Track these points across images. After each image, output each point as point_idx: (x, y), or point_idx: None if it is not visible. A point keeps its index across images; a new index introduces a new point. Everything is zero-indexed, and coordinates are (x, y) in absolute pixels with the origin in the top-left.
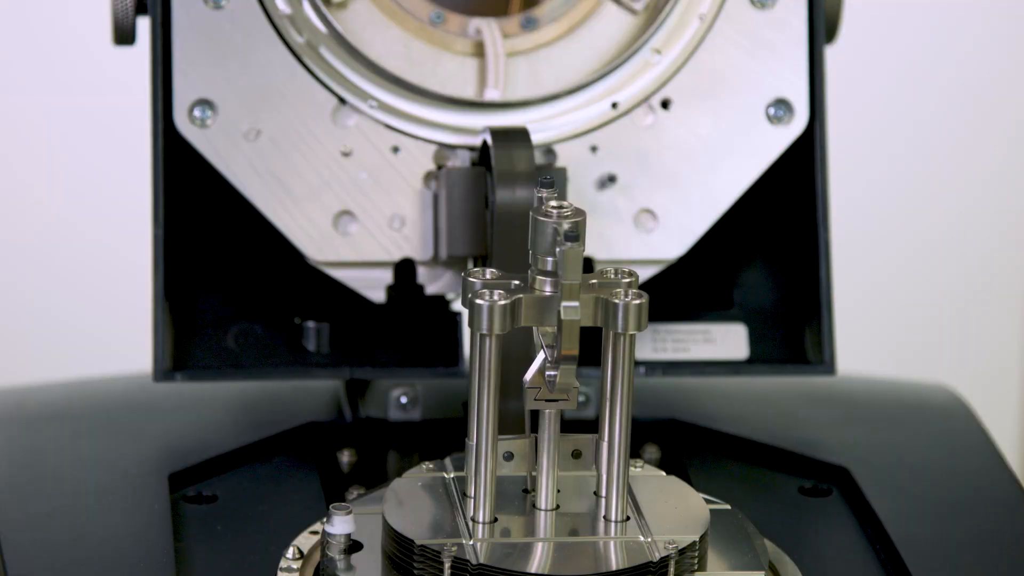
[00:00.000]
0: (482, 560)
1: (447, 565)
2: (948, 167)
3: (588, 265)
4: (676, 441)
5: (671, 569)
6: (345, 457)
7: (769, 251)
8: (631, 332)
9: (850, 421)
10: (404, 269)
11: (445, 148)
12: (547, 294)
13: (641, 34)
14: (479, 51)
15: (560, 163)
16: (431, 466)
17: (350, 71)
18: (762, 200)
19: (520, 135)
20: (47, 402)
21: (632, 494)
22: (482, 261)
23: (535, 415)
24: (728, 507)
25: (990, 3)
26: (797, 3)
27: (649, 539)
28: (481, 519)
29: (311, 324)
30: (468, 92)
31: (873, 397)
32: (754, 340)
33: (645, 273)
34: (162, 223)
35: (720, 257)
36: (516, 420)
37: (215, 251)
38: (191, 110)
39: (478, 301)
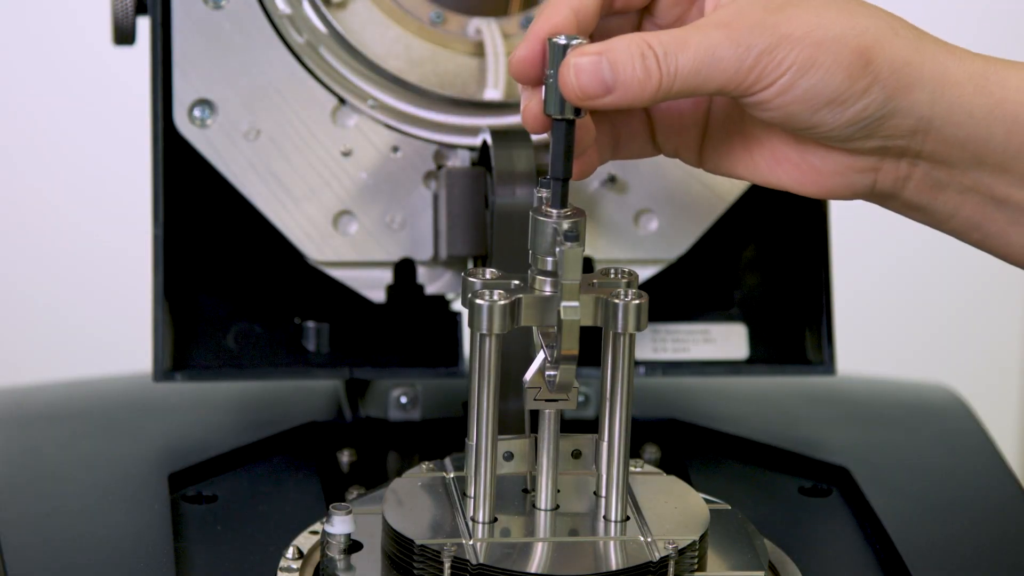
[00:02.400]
0: (482, 560)
1: (447, 565)
2: None
3: (588, 265)
4: (676, 441)
5: (671, 569)
6: (345, 457)
7: (769, 251)
8: (631, 332)
9: (850, 421)
10: (404, 269)
11: (445, 148)
12: (547, 294)
13: None
14: (479, 51)
15: None
16: (431, 466)
17: (350, 71)
18: (762, 200)
19: (520, 135)
20: (47, 402)
21: (632, 494)
22: (482, 261)
23: (535, 415)
24: (728, 507)
25: (990, 4)
26: None
27: (649, 539)
28: (481, 519)
29: (311, 324)
30: (468, 92)
31: (873, 397)
32: (754, 340)
33: (645, 273)
34: (162, 223)
35: (720, 257)
36: (516, 420)
37: (215, 251)
38: (191, 110)
39: (478, 301)
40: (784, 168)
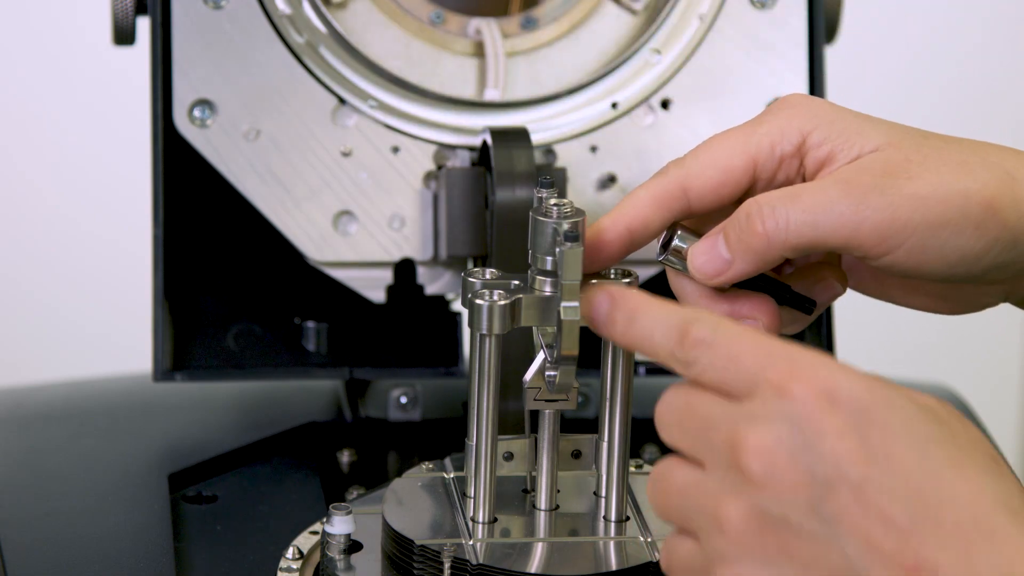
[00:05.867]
0: (481, 560)
1: (447, 565)
2: None
3: None
4: None
5: None
6: (345, 457)
7: None
8: None
9: None
10: (404, 269)
11: (445, 148)
12: (547, 294)
13: (641, 34)
14: (479, 51)
15: (560, 163)
16: (431, 466)
17: (350, 71)
18: None
19: (520, 135)
20: (47, 402)
21: (632, 494)
22: (482, 261)
23: (535, 415)
24: None
25: (990, 3)
26: (797, 3)
27: (649, 539)
28: (481, 519)
29: (311, 324)
30: (468, 92)
31: None
32: None
33: (645, 273)
34: (162, 223)
35: None
36: (516, 420)
37: (215, 251)
38: (191, 110)
39: (478, 301)
40: (917, 296)
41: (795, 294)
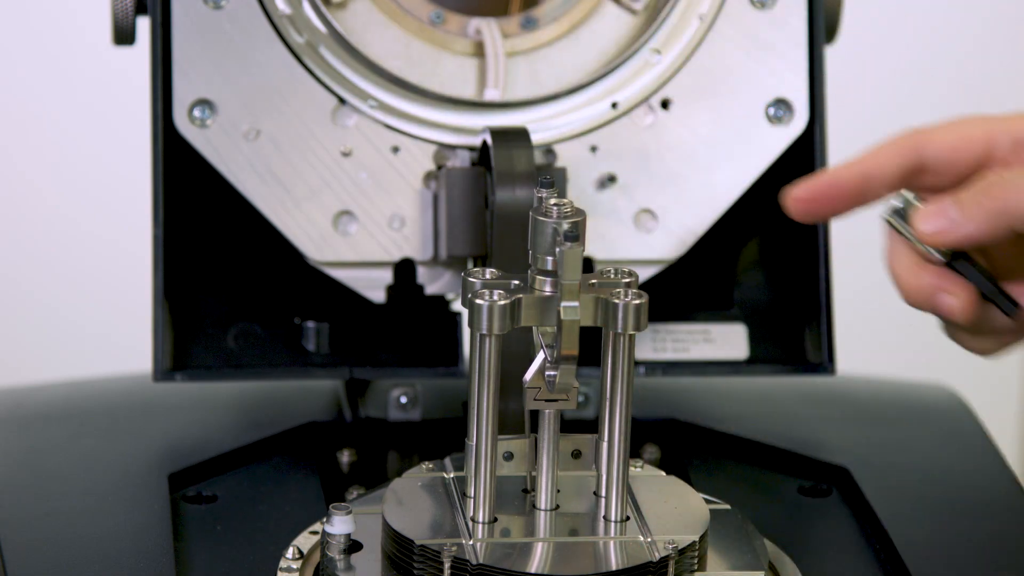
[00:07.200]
0: (482, 560)
1: (447, 565)
2: None
3: (588, 265)
4: (676, 441)
5: (671, 569)
6: (345, 457)
7: (769, 251)
8: (631, 332)
9: (850, 421)
10: (404, 269)
11: (445, 148)
12: (547, 294)
13: (641, 34)
14: (479, 51)
15: (560, 163)
16: (431, 466)
17: (350, 71)
18: (762, 200)
19: (520, 135)
20: (47, 402)
21: (632, 494)
22: (482, 261)
23: (535, 415)
24: (728, 507)
25: (990, 3)
26: (797, 3)
27: (649, 539)
28: (481, 519)
29: (311, 324)
30: (468, 92)
31: (873, 397)
32: (754, 340)
33: (645, 273)
34: (162, 223)
35: (720, 257)
36: (516, 420)
37: (215, 251)
38: (191, 110)
39: (478, 301)
40: None
41: (1001, 290)
